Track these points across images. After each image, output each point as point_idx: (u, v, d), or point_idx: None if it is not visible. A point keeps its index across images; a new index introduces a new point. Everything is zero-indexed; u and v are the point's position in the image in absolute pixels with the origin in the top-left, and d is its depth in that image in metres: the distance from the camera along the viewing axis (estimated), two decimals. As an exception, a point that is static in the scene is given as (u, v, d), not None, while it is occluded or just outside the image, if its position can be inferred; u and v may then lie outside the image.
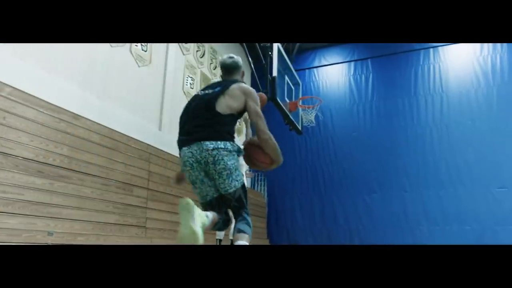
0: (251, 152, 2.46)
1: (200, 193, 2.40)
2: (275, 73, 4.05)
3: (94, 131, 4.67)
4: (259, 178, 10.50)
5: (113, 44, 5.96)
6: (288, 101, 4.62)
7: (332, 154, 10.16)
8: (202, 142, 2.24)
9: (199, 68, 8.74)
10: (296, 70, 11.10)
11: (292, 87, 4.88)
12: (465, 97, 9.29)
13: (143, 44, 6.74)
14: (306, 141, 10.48)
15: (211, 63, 9.31)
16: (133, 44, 6.50)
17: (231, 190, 2.29)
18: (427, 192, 8.94)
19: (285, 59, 4.84)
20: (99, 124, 4.77)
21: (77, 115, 4.46)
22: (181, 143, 2.37)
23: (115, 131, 5.07)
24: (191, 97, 7.73)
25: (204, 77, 8.91)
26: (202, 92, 2.52)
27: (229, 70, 2.62)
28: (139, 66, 6.62)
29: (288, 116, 4.53)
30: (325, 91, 10.84)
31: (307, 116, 4.88)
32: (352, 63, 10.77)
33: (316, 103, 5.26)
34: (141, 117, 6.42)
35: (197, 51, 8.71)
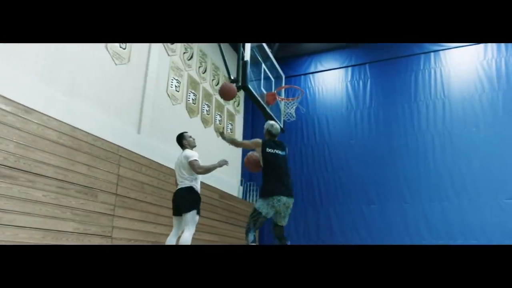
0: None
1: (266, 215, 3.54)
2: (247, 57, 3.56)
3: (51, 127, 4.18)
4: (250, 188, 9.94)
5: (85, 39, 5.54)
6: (265, 92, 4.13)
7: (328, 163, 9.61)
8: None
9: (186, 70, 8.30)
10: (291, 76, 10.75)
11: (273, 79, 4.38)
12: (468, 102, 8.77)
13: (121, 41, 6.33)
14: (301, 149, 9.97)
15: (200, 66, 8.89)
16: (110, 41, 6.10)
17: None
18: (430, 204, 8.33)
19: (264, 49, 4.35)
20: (57, 120, 4.29)
21: (30, 108, 3.98)
22: (281, 193, 3.38)
23: (79, 129, 4.58)
24: (175, 99, 7.38)
25: (191, 80, 8.47)
26: (279, 152, 3.48)
27: (278, 135, 3.63)
28: (116, 64, 6.18)
29: (264, 109, 4.02)
30: (322, 97, 10.38)
31: (286, 109, 4.36)
32: (349, 69, 10.32)
33: (297, 95, 4.74)
34: (116, 118, 5.95)
35: (184, 53, 8.29)
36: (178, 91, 7.90)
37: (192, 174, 3.77)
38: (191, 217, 3.49)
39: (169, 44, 7.73)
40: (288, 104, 4.57)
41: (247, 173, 10.17)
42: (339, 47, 10.46)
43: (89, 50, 5.59)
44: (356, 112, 9.82)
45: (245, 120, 10.86)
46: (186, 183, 3.79)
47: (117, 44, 6.24)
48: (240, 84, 3.55)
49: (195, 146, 4.08)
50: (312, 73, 10.72)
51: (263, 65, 4.14)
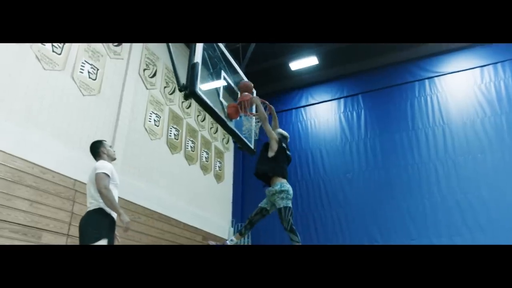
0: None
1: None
2: (198, 59, 3.02)
3: (-17, 156, 3.62)
4: (242, 230, 9.10)
5: (46, 67, 5.16)
6: (226, 103, 3.56)
7: (324, 199, 8.86)
8: None
9: (167, 105, 7.89)
10: (282, 111, 10.32)
11: (238, 91, 3.84)
12: (470, 128, 8.18)
13: (90, 72, 5.96)
14: (295, 186, 9.21)
15: (183, 102, 8.49)
16: (78, 71, 5.72)
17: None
18: (439, 240, 7.45)
19: (226, 57, 3.87)
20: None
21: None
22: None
23: (21, 159, 4.01)
24: (154, 134, 6.94)
25: (174, 115, 8.03)
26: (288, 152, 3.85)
27: (287, 139, 3.99)
28: (83, 95, 5.76)
29: (224, 122, 3.42)
30: (314, 130, 9.86)
31: (247, 124, 3.74)
32: (342, 100, 9.90)
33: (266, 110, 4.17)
34: (79, 151, 5.39)
35: (165, 87, 7.93)
36: (157, 126, 7.42)
37: None
38: (102, 250, 2.74)
39: (147, 77, 7.39)
40: (249, 119, 3.99)
41: (239, 213, 9.39)
42: (329, 79, 10.11)
43: (49, 78, 5.19)
44: (351, 144, 9.23)
45: (235, 157, 10.29)
46: (94, 204, 2.86)
47: (85, 75, 5.86)
48: (188, 90, 3.00)
49: (114, 159, 3.30)
50: (304, 106, 10.30)
51: (223, 73, 3.62)
